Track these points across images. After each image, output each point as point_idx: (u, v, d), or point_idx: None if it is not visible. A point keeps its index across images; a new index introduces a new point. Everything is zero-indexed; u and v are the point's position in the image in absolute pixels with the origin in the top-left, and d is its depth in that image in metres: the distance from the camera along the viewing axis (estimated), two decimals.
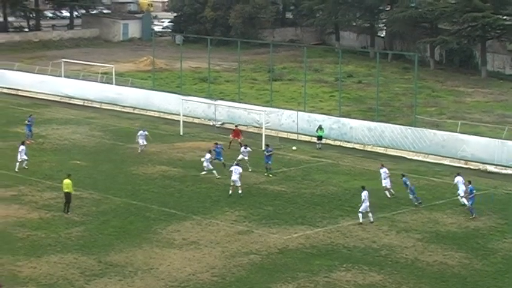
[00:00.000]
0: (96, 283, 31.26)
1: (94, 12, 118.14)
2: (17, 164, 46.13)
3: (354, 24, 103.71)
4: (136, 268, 32.74)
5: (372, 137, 54.45)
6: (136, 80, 73.10)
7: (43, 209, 39.87)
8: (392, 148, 53.49)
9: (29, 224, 37.56)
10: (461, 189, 41.57)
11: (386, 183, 42.91)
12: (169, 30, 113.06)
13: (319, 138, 54.64)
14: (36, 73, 74.17)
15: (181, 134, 57.07)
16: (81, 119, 62.10)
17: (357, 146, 54.67)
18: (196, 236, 36.62)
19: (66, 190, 39.35)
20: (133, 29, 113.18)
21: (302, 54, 70.12)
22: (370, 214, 38.54)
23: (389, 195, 42.61)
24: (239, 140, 52.50)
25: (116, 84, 70.05)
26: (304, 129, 56.65)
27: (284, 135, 56.87)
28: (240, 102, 62.13)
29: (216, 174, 45.33)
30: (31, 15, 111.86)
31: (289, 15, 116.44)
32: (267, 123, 55.48)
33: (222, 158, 46.84)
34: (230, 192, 42.44)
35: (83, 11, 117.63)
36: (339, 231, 37.64)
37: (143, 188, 43.88)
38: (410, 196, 41.74)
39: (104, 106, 67.10)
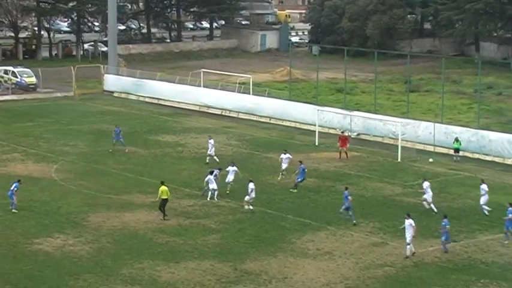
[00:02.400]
0: None
1: (233, 23, 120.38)
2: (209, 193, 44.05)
3: (495, 34, 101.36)
4: (271, 277, 33.12)
5: None
6: (273, 90, 73.92)
7: (181, 215, 40.91)
8: None
9: (168, 230, 38.63)
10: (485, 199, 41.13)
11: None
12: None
13: (456, 150, 53.71)
14: (177, 83, 76.18)
15: (316, 144, 57.29)
16: (218, 128, 63.33)
17: (496, 159, 53.35)
18: (330, 246, 36.70)
19: (164, 197, 40.22)
20: (271, 39, 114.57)
21: (440, 65, 69.12)
22: (408, 247, 35.52)
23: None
24: (345, 148, 52.12)
25: (253, 94, 71.04)
26: (441, 142, 55.76)
27: (420, 147, 56.16)
28: (376, 113, 61.79)
29: None
30: (173, 27, 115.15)
31: (427, 25, 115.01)
32: (403, 134, 54.96)
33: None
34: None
35: (223, 22, 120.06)
36: (477, 245, 36.88)
37: (278, 197, 44.31)
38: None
39: (241, 116, 68.18)
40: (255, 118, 67.18)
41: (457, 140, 53.92)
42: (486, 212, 41.26)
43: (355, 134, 60.14)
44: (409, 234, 35.30)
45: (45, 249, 35.91)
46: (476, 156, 54.20)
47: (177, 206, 42.43)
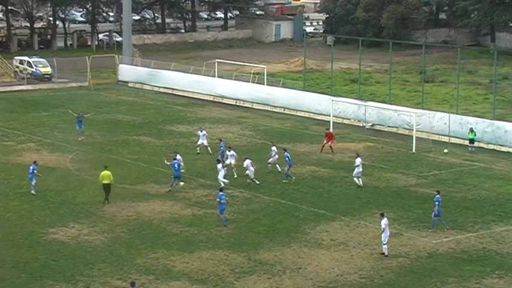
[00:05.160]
0: (246, 280, 31.91)
1: (247, 13, 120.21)
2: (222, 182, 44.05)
3: (511, 24, 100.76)
4: (284, 267, 33.16)
5: None
6: (287, 80, 73.84)
7: (196, 206, 41.00)
8: None
9: (183, 220, 38.73)
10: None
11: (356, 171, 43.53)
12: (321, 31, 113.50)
13: (471, 141, 53.52)
14: (191, 73, 76.21)
15: None
16: (233, 119, 63.35)
17: None
18: (344, 237, 36.70)
19: (106, 182, 40.49)
20: (286, 30, 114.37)
21: (455, 56, 68.93)
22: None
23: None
24: (330, 143, 51.86)
25: (267, 84, 71.01)
26: (456, 132, 55.58)
27: (435, 137, 55.99)
28: (391, 104, 61.64)
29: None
30: (187, 17, 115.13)
31: (442, 15, 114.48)
32: (418, 125, 54.82)
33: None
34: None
35: (237, 12, 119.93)
36: (492, 236, 36.78)
37: (292, 187, 44.31)
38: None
39: (255, 106, 68.15)
40: (269, 108, 67.16)
41: (471, 130, 53.73)
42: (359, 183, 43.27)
43: (370, 124, 60.02)
44: (385, 234, 34.27)
45: (60, 239, 36.09)
46: (492, 147, 54.00)
47: (191, 196, 42.52)
